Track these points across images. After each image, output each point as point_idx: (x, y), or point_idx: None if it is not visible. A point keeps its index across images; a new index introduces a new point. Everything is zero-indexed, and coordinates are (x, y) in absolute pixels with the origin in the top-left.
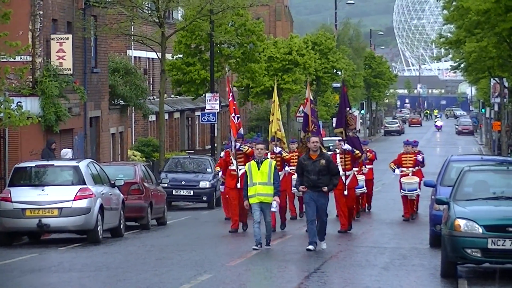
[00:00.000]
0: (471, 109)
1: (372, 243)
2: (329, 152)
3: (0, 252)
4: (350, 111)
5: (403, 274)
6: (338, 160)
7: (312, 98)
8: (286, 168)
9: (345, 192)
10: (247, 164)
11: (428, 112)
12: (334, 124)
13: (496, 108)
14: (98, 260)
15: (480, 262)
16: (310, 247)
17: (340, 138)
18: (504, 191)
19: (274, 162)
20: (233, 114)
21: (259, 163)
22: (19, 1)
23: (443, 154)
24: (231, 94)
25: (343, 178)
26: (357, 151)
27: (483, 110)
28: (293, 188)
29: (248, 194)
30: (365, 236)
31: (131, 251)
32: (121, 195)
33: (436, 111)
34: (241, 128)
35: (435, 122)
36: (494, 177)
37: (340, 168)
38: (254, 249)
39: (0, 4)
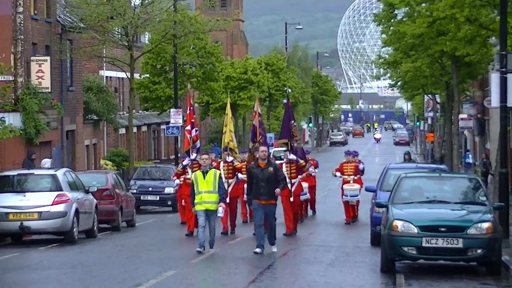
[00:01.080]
0: (407, 122)
1: (320, 242)
2: (278, 162)
3: None
4: (294, 124)
5: (347, 269)
6: (284, 169)
7: (260, 112)
8: (239, 175)
9: (291, 199)
10: (193, 173)
11: (368, 125)
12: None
13: (429, 121)
14: (74, 259)
15: (416, 258)
16: (257, 250)
17: (285, 148)
18: (436, 195)
19: (218, 172)
20: (188, 127)
21: (204, 173)
22: (2, 27)
23: (382, 163)
24: (191, 108)
25: (289, 185)
26: (301, 161)
27: (417, 123)
28: (245, 195)
29: (195, 201)
30: (313, 236)
31: (104, 250)
32: (95, 200)
33: (376, 124)
34: (198, 140)
35: (374, 134)
36: (428, 183)
37: (286, 176)
38: (198, 251)
39: None
